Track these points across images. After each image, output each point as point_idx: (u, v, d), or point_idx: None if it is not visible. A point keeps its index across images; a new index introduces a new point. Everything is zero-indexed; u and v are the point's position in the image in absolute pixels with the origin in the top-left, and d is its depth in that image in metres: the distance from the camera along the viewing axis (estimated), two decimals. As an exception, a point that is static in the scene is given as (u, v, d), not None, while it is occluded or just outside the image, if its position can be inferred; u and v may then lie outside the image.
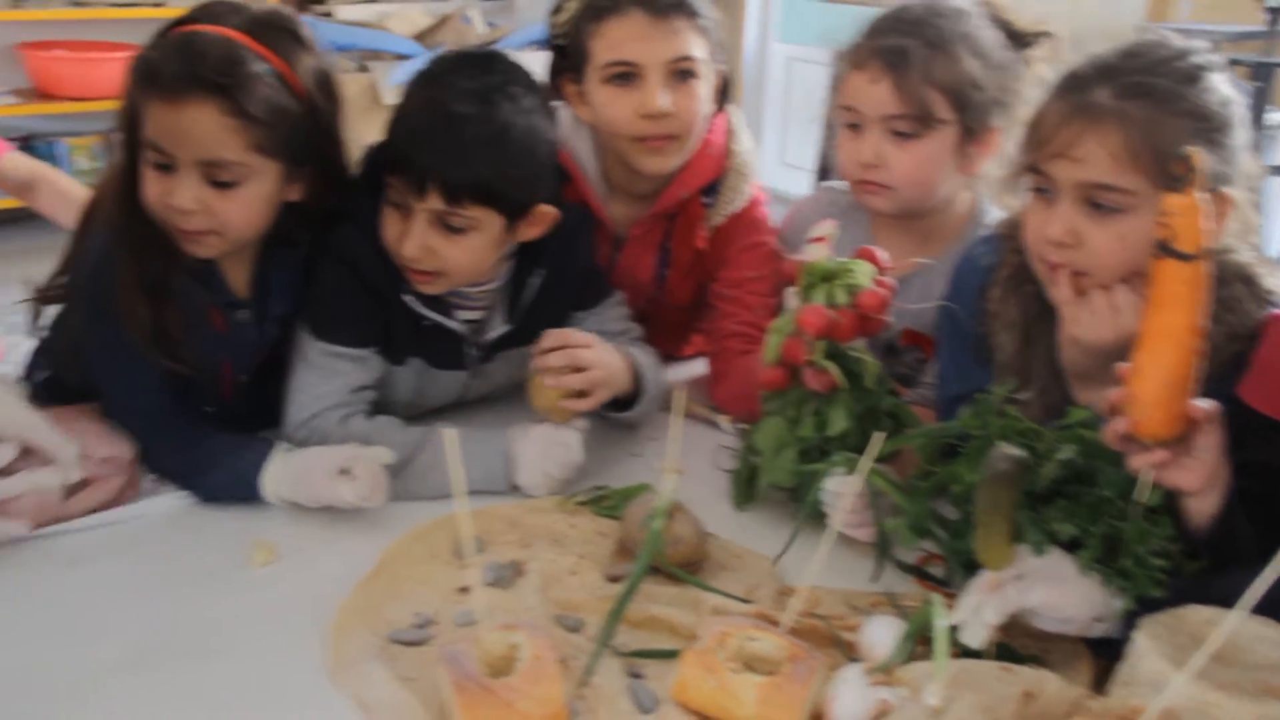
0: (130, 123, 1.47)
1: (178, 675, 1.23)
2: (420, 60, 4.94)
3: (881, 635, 1.27)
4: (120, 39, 4.81)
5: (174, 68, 1.43)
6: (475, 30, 5.43)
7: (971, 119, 1.72)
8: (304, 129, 1.52)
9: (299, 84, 1.50)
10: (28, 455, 1.42)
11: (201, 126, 1.43)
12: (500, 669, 1.16)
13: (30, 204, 2.26)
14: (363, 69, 5.15)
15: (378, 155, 1.64)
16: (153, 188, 1.48)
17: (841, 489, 1.46)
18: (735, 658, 1.20)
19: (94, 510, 1.54)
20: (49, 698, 1.20)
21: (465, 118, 1.54)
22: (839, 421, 1.52)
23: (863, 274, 1.55)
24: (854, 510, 1.45)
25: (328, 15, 5.38)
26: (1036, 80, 1.62)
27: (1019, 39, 1.76)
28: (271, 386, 1.69)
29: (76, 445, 1.45)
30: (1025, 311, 1.54)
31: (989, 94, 1.71)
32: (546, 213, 1.66)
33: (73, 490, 1.51)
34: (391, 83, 4.96)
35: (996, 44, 1.74)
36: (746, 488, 1.64)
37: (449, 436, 1.16)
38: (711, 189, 1.96)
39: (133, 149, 1.50)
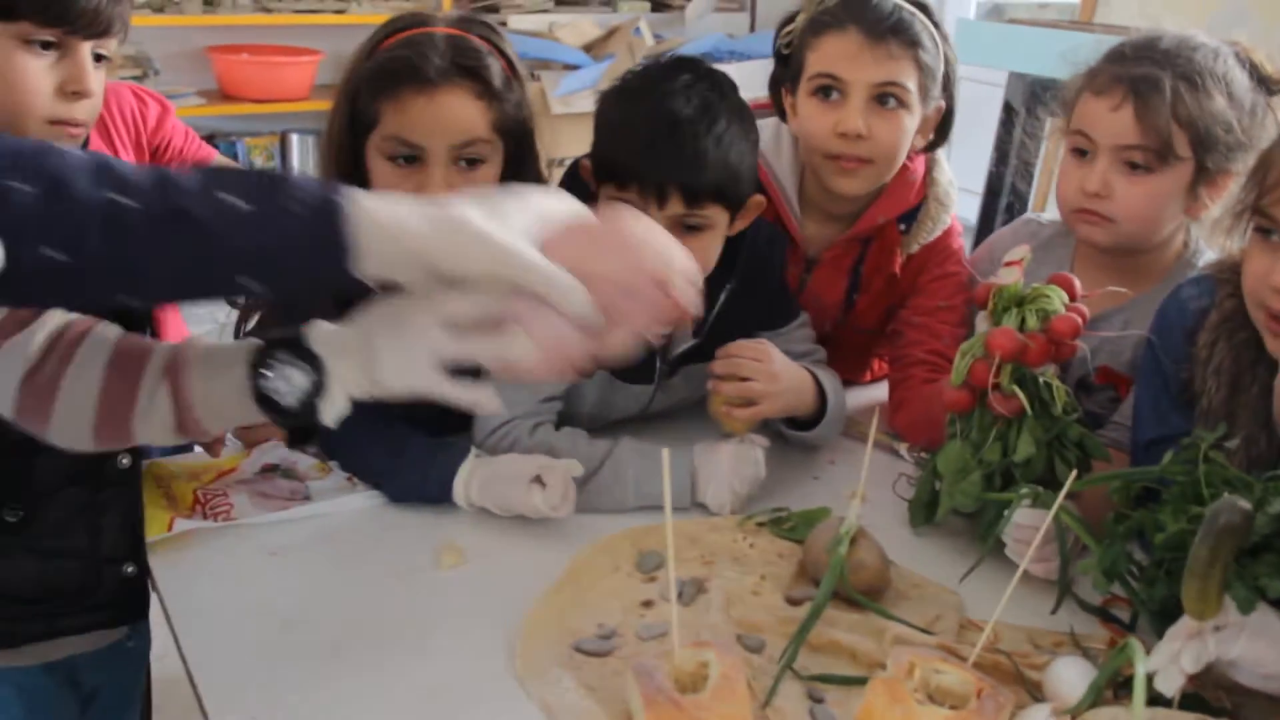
0: (352, 125, 1.57)
1: (369, 668, 1.28)
2: (590, 70, 5.09)
3: (1070, 676, 1.25)
4: (300, 43, 4.97)
5: (431, 62, 1.53)
6: (645, 42, 5.47)
7: (1210, 160, 1.67)
8: (521, 115, 1.62)
9: (513, 69, 1.62)
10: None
11: (456, 111, 1.54)
12: (689, 686, 1.18)
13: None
14: (533, 77, 5.24)
15: (594, 168, 1.68)
16: (397, 185, 1.55)
17: (1028, 522, 1.44)
18: (921, 689, 1.20)
19: None
20: (245, 680, 1.25)
21: (694, 121, 1.58)
22: (1025, 447, 1.50)
23: (1056, 299, 1.53)
24: (1039, 545, 1.43)
25: (502, 24, 5.49)
26: (1277, 125, 1.58)
27: (1267, 83, 1.71)
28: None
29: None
30: (1237, 359, 1.49)
31: (1233, 136, 1.66)
32: (758, 202, 1.71)
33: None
34: (560, 92, 5.04)
35: (1245, 86, 1.69)
36: (926, 511, 1.63)
37: (665, 455, 1.20)
38: (909, 216, 1.95)
39: (350, 151, 1.58)
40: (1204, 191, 1.71)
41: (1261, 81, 1.71)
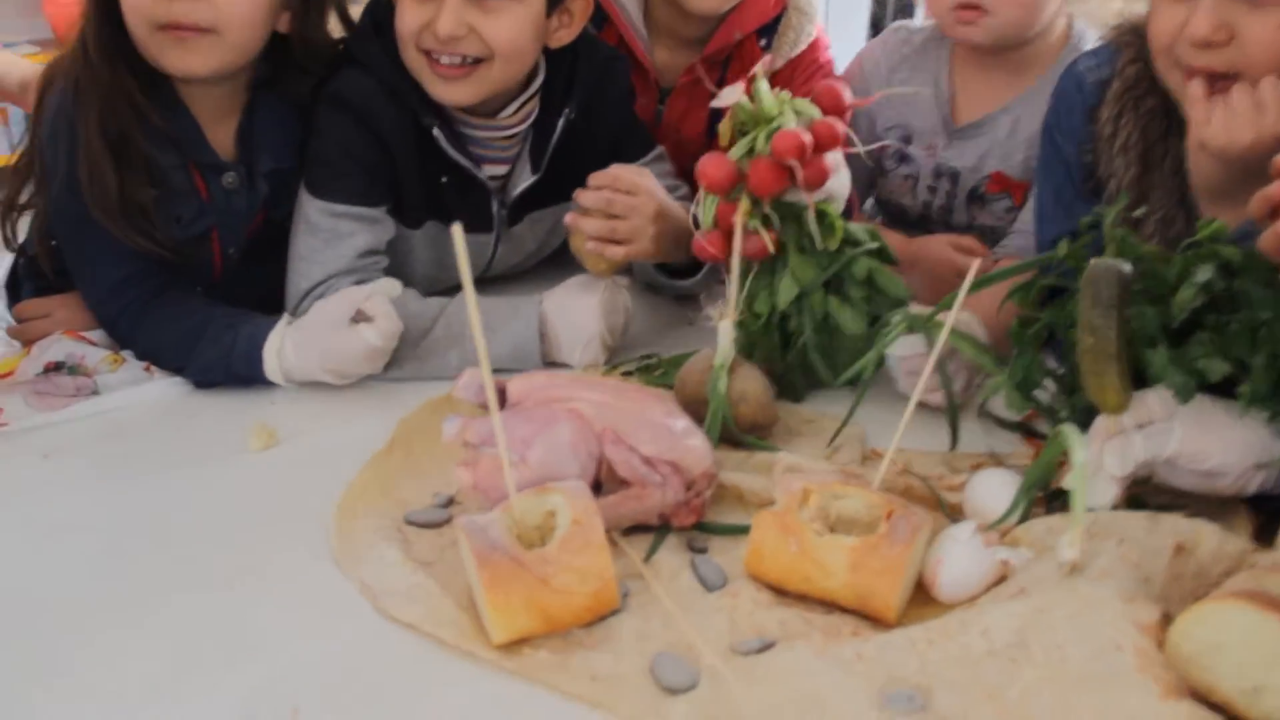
0: None
1: (153, 570, 1.04)
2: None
3: (992, 488, 1.05)
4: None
5: None
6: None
7: None
8: None
9: None
10: None
11: None
12: (537, 541, 0.96)
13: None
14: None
15: None
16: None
17: (908, 351, 1.24)
18: (819, 519, 0.99)
19: None
20: (15, 601, 1.01)
21: None
22: (786, 291, 1.29)
23: (790, 117, 1.27)
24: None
25: None
26: None
27: None
28: (271, 265, 1.48)
29: None
30: (1145, 131, 1.30)
31: None
32: (582, 7, 1.48)
33: None
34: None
35: None
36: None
37: (456, 230, 0.87)
38: (769, 30, 1.73)
39: None
40: None
41: None
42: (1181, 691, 0.81)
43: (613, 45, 1.66)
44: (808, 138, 1.24)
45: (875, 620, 0.95)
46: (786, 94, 1.30)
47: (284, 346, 1.33)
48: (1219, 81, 1.17)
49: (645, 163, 1.60)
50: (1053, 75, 1.52)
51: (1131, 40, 1.32)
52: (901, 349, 1.25)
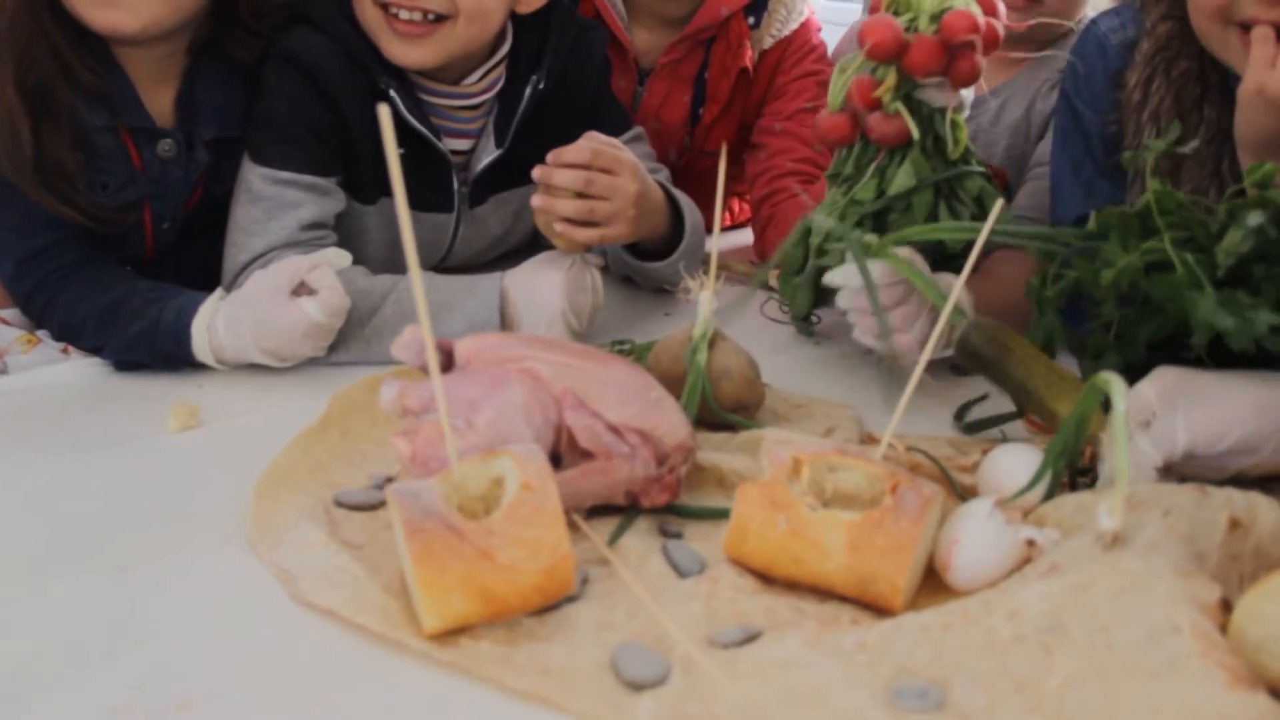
0: None
1: (46, 553, 0.90)
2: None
3: (1013, 465, 0.91)
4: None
5: None
6: None
7: None
8: None
9: None
10: None
11: None
12: (482, 511, 0.81)
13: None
14: None
15: None
16: None
17: (847, 282, 1.11)
18: (812, 494, 0.85)
19: None
20: None
21: None
22: (903, 178, 1.17)
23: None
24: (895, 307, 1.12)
25: None
26: None
27: None
28: (212, 241, 1.34)
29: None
30: (1180, 97, 1.18)
31: None
32: None
33: None
34: None
35: None
36: (806, 294, 1.28)
37: (384, 111, 0.75)
38: (757, 8, 1.61)
39: None
40: None
41: None
42: (1253, 681, 0.66)
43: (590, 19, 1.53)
44: (983, 21, 1.15)
45: (879, 609, 0.81)
46: None
47: (215, 321, 1.18)
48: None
49: (624, 141, 1.46)
50: (1043, 63, 1.44)
51: None
52: (837, 279, 1.13)
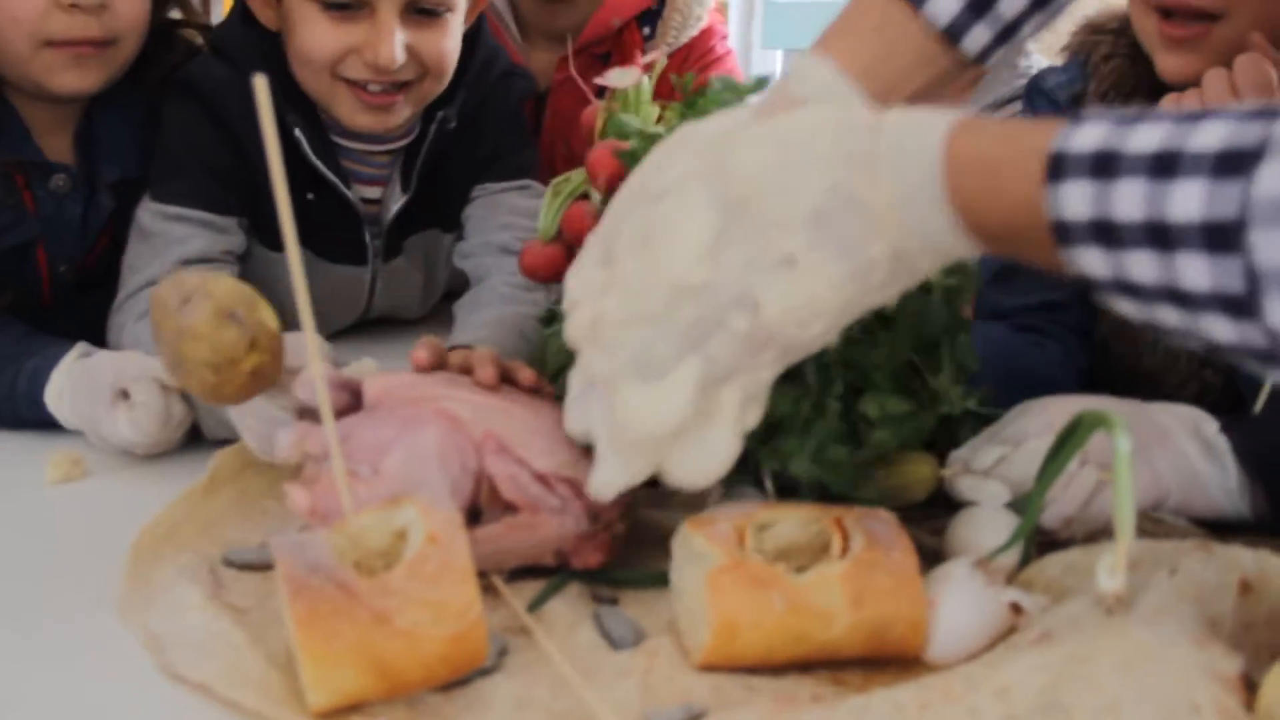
0: None
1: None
2: None
3: (984, 528, 0.80)
4: None
5: None
6: None
7: None
8: None
9: None
10: None
11: None
12: (379, 570, 0.70)
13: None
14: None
15: None
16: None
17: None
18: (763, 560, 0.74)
19: None
20: None
21: None
22: None
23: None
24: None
25: None
26: None
27: None
28: (116, 287, 1.23)
29: None
30: None
31: None
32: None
33: None
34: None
35: None
36: None
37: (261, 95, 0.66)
38: (652, 16, 1.56)
39: None
40: None
41: None
42: (1287, 770, 0.56)
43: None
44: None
45: (898, 662, 0.71)
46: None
47: (63, 395, 1.05)
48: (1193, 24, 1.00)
49: (509, 189, 1.35)
50: (984, 88, 1.40)
51: (1098, 38, 1.15)
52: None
